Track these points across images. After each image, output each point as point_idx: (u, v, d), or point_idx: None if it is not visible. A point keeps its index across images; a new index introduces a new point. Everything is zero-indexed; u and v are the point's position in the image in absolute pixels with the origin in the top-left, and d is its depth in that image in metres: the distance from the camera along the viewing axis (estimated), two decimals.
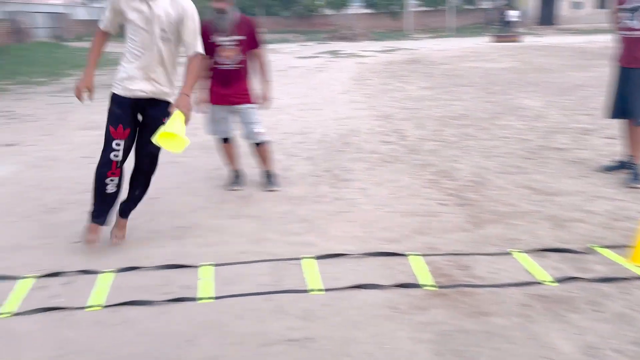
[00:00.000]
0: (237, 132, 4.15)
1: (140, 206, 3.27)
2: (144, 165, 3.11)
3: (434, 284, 2.56)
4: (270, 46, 25.61)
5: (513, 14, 31.19)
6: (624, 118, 4.14)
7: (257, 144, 4.07)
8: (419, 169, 4.59)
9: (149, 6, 2.86)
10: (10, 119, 7.74)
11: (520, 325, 2.20)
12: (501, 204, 3.65)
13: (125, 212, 3.18)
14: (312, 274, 2.68)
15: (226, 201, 3.89)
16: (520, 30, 30.73)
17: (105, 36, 3.05)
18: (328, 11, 39.76)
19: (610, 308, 2.32)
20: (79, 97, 2.96)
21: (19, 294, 2.57)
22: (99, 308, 2.43)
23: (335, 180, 4.31)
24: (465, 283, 2.56)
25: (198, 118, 3.70)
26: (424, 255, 2.86)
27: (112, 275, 2.73)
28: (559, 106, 7.40)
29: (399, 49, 21.03)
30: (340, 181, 4.30)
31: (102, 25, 3.02)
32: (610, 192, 3.82)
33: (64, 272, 2.76)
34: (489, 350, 2.05)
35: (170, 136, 2.75)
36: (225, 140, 4.11)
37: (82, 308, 2.42)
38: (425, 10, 39.31)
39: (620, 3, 4.03)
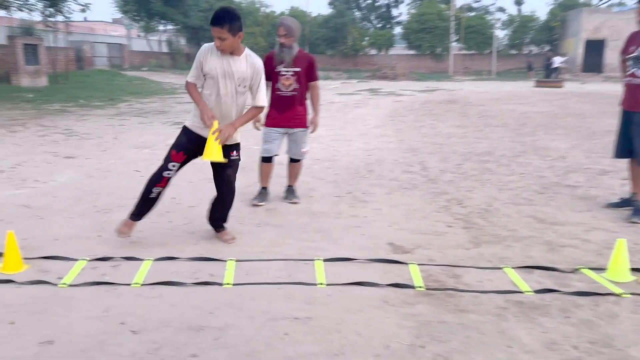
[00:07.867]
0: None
1: (179, 212, 3.76)
2: None
3: (424, 286, 2.91)
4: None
5: (558, 60, 31.32)
6: (629, 157, 4.40)
7: (295, 160, 4.57)
8: (434, 196, 4.95)
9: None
10: (70, 136, 8.58)
11: (493, 322, 2.52)
12: (503, 229, 3.96)
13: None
14: (320, 272, 3.08)
15: (253, 212, 4.36)
16: (565, 76, 30.75)
17: None
18: (372, 51, 40.89)
19: (578, 315, 2.61)
20: (206, 124, 3.24)
21: (75, 271, 3.08)
22: (139, 285, 2.90)
23: (354, 201, 4.73)
24: (452, 287, 2.90)
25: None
26: (421, 264, 3.22)
27: (152, 262, 3.22)
28: (584, 149, 7.61)
29: (439, 90, 21.50)
30: (359, 202, 4.71)
31: None
32: (609, 225, 4.07)
33: (112, 257, 3.28)
34: (461, 337, 2.38)
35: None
36: (269, 159, 4.58)
37: (127, 284, 2.90)
38: (469, 54, 39.86)
39: (627, 53, 4.35)
